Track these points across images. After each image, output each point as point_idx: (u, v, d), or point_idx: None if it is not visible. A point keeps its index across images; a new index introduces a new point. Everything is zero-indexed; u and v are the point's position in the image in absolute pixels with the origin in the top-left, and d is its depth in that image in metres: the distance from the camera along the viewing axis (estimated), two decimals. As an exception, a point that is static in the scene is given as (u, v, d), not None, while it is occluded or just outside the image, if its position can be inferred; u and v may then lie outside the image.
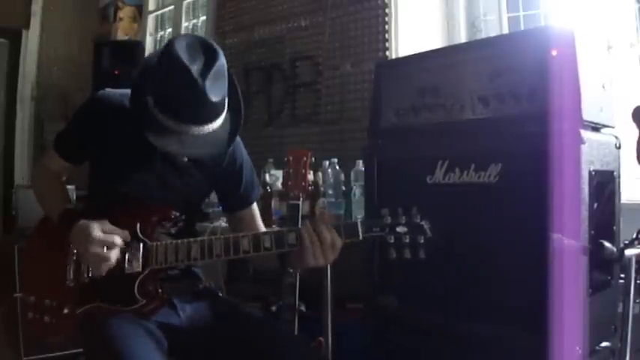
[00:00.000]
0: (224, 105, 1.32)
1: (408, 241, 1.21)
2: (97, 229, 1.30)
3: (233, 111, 1.37)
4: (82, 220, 1.34)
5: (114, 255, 1.30)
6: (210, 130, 1.30)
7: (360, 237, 1.24)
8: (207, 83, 1.23)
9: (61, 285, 1.40)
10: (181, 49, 1.25)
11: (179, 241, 1.35)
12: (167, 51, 1.27)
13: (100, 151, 1.45)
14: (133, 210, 1.40)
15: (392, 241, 1.22)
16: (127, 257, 1.34)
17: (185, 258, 1.33)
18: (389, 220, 1.23)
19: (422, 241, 1.21)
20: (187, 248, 1.32)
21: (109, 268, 1.31)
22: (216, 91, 1.26)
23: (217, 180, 1.54)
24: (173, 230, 1.49)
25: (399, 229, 1.22)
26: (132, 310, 1.34)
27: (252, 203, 1.64)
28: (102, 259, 1.29)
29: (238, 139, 1.57)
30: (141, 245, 1.36)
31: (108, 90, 1.46)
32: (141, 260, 1.35)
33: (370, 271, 1.85)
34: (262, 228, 1.63)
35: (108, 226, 1.33)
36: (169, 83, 1.26)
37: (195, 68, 1.23)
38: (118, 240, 1.31)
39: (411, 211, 1.22)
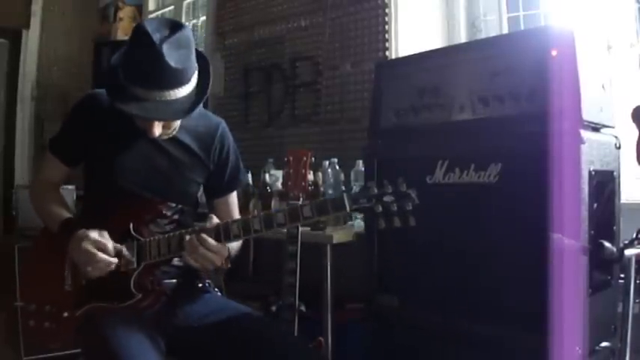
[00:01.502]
0: (186, 74, 1.35)
1: (395, 209, 1.21)
2: (94, 231, 1.34)
3: (201, 87, 1.40)
4: (81, 229, 1.36)
5: (103, 257, 1.32)
6: (170, 97, 1.33)
7: (348, 209, 1.25)
8: (165, 47, 1.28)
9: (60, 290, 1.41)
10: (149, 24, 1.33)
11: (171, 233, 1.37)
12: (136, 25, 1.35)
13: (93, 147, 1.47)
14: (126, 208, 1.42)
15: (380, 210, 1.22)
16: (122, 255, 1.35)
17: (177, 249, 1.35)
18: (375, 190, 1.23)
19: (410, 207, 1.21)
20: (179, 239, 1.33)
21: (100, 270, 1.33)
22: (176, 57, 1.30)
23: (206, 163, 1.55)
24: (168, 228, 1.50)
25: (386, 198, 1.22)
26: (128, 306, 1.35)
27: (233, 190, 1.65)
28: (91, 257, 1.31)
29: (225, 124, 1.59)
30: (135, 243, 1.37)
31: (98, 89, 1.49)
32: (135, 257, 1.36)
33: (370, 271, 1.85)
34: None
35: (105, 234, 1.35)
36: (132, 50, 1.33)
37: (156, 35, 1.30)
38: (109, 245, 1.33)
39: (397, 180, 1.22)
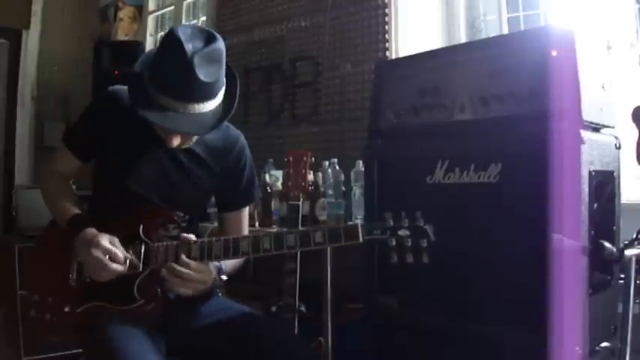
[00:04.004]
0: (215, 89, 1.33)
1: (410, 244, 1.19)
2: (105, 239, 1.33)
3: (227, 103, 1.38)
4: (91, 227, 1.36)
5: (114, 266, 1.31)
6: (196, 111, 1.31)
7: (361, 239, 1.23)
8: (197, 60, 1.25)
9: (64, 284, 1.41)
10: (182, 31, 1.29)
11: (180, 242, 1.36)
12: (168, 32, 1.32)
13: (107, 145, 1.46)
14: (136, 211, 1.41)
15: (393, 244, 1.20)
16: (128, 258, 1.35)
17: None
18: (391, 223, 1.21)
19: (425, 244, 1.19)
20: (187, 249, 1.33)
21: (108, 277, 1.32)
22: (207, 71, 1.28)
23: (220, 177, 1.54)
24: (175, 232, 1.49)
25: (401, 232, 1.20)
26: (131, 310, 1.35)
27: (245, 205, 1.64)
28: (101, 265, 1.31)
29: (243, 139, 1.58)
30: (142, 246, 1.36)
31: (119, 86, 1.48)
32: (142, 261, 1.35)
33: (370, 271, 1.85)
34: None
35: (116, 241, 1.35)
36: (163, 58, 1.31)
37: (189, 46, 1.26)
38: (120, 255, 1.32)
39: (415, 214, 1.20)
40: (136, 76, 1.35)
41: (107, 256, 1.31)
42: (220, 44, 1.32)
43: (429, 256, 1.18)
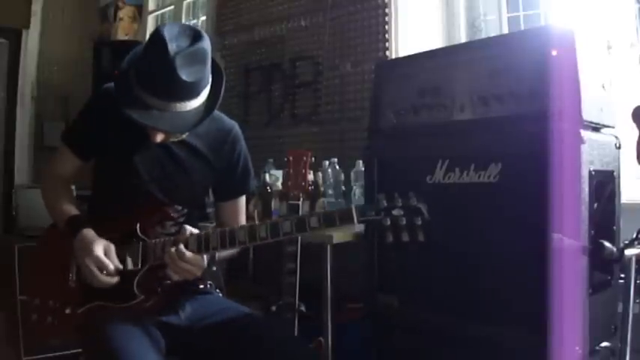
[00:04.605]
0: (197, 88, 1.33)
1: (404, 223, 1.18)
2: (99, 248, 1.34)
3: (211, 100, 1.39)
4: (88, 228, 1.37)
5: (105, 279, 1.33)
6: (178, 109, 1.32)
7: (355, 222, 1.22)
8: (179, 60, 1.26)
9: (65, 286, 1.42)
10: (168, 30, 1.30)
11: (177, 236, 1.36)
12: (154, 30, 1.33)
13: (106, 141, 1.47)
14: (134, 209, 1.42)
15: (388, 224, 1.19)
16: (126, 255, 1.35)
17: None
18: (384, 203, 1.20)
19: (419, 222, 1.18)
20: (185, 242, 1.33)
21: (101, 286, 1.34)
22: (190, 71, 1.28)
23: (217, 170, 1.54)
24: (173, 230, 1.50)
25: (395, 212, 1.19)
26: (131, 307, 1.35)
27: (241, 195, 1.65)
28: (93, 277, 1.33)
29: (238, 129, 1.58)
30: (140, 244, 1.37)
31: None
32: (140, 258, 1.36)
33: (370, 271, 1.85)
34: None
35: (111, 250, 1.35)
36: (147, 57, 1.32)
37: (173, 45, 1.27)
38: (111, 267, 1.33)
39: (408, 194, 1.20)
40: (122, 74, 1.37)
41: (99, 268, 1.32)
42: (205, 44, 1.33)
43: (425, 235, 1.18)
